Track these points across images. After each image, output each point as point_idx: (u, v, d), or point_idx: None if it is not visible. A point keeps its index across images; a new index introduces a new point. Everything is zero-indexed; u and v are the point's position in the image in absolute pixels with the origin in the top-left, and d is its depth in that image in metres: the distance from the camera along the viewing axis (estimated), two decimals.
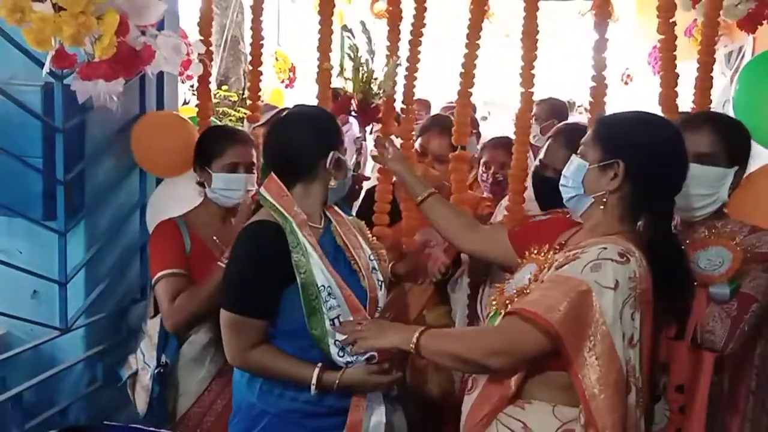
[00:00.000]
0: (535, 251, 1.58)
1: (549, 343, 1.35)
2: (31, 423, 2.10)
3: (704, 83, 2.24)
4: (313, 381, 1.58)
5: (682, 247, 1.58)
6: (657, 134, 1.47)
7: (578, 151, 1.52)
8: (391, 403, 1.72)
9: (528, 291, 1.45)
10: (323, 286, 1.59)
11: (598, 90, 2.21)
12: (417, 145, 2.43)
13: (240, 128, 2.45)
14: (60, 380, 2.24)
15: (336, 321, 1.60)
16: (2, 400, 1.97)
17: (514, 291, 1.50)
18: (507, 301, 1.48)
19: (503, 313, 1.46)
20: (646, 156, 1.44)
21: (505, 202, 2.32)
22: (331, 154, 1.69)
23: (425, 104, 5.41)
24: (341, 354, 1.60)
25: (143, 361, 2.07)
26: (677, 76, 2.21)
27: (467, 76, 2.26)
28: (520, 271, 1.57)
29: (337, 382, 1.59)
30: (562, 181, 1.55)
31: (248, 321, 1.61)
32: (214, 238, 2.08)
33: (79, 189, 2.20)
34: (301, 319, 1.59)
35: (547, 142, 2.14)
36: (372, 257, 1.76)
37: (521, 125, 2.27)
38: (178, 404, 2.02)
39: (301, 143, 1.69)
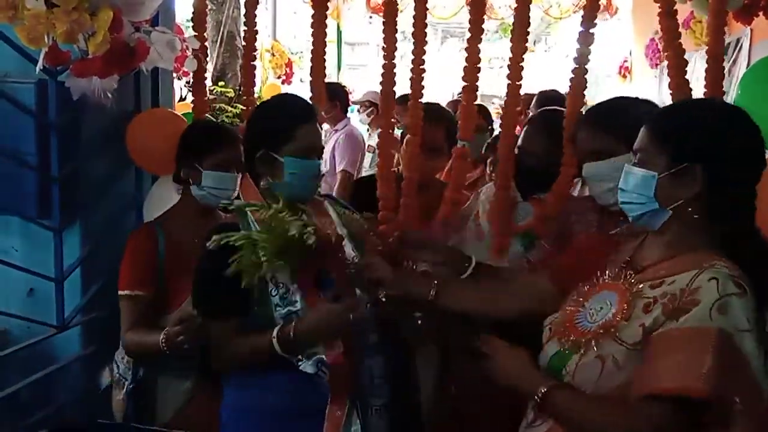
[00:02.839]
0: (606, 275, 1.39)
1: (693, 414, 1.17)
2: (27, 421, 2.10)
3: (715, 73, 2.16)
4: (274, 336, 1.56)
5: None
6: (732, 126, 1.29)
7: (635, 160, 1.33)
8: (376, 413, 1.69)
9: (615, 327, 1.27)
10: (270, 276, 1.60)
11: (579, 81, 2.17)
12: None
13: (230, 126, 2.37)
14: (56, 378, 2.22)
15: (295, 317, 1.60)
16: None
17: (596, 325, 1.31)
18: (589, 338, 1.29)
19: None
20: (726, 154, 1.26)
21: (485, 190, 2.29)
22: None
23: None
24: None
25: (118, 372, 2.04)
26: (686, 62, 2.15)
27: (471, 70, 2.21)
28: (593, 299, 1.37)
29: (292, 332, 1.56)
30: (622, 197, 1.35)
31: (214, 323, 1.67)
32: (196, 240, 1.93)
33: (74, 186, 2.19)
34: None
35: (525, 129, 2.13)
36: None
37: (507, 118, 2.23)
38: (157, 416, 1.98)
39: (251, 135, 1.77)
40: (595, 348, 1.28)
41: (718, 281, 1.20)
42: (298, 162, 1.66)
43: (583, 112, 1.99)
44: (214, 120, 2.11)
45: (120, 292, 1.98)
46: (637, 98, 1.83)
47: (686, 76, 2.12)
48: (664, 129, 1.31)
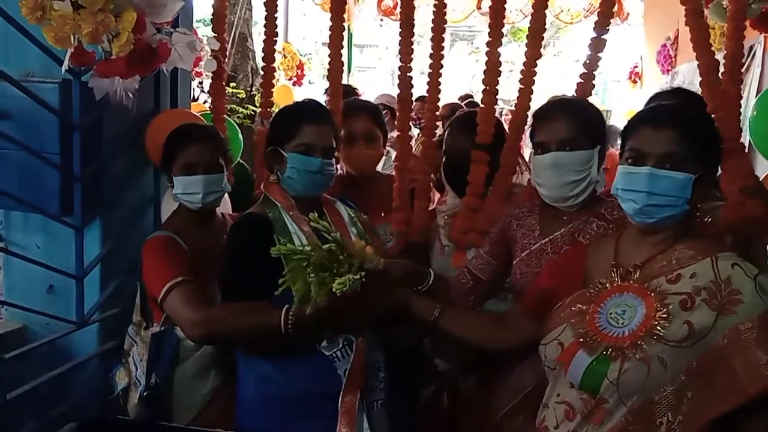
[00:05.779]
0: (614, 279, 1.39)
1: None
2: (46, 416, 2.13)
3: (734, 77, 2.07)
4: (282, 317, 1.58)
5: None
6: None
7: (665, 163, 1.34)
8: (381, 408, 1.72)
9: (656, 327, 1.28)
10: None
11: (585, 86, 2.19)
12: (342, 133, 2.36)
13: (205, 125, 2.25)
14: (75, 374, 2.25)
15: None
16: (19, 393, 1.99)
17: (630, 328, 1.31)
18: (628, 342, 1.29)
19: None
20: None
21: (440, 209, 2.28)
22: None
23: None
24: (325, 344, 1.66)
25: (135, 374, 2.00)
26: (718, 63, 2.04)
27: (492, 74, 2.23)
28: (607, 303, 1.37)
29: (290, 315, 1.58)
30: (650, 201, 1.34)
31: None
32: (198, 245, 1.97)
33: (96, 185, 2.21)
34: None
35: (447, 131, 2.18)
36: None
37: (514, 125, 2.22)
38: (175, 420, 1.93)
39: (268, 133, 1.89)
40: (638, 351, 1.28)
41: (740, 266, 1.29)
42: (298, 158, 1.78)
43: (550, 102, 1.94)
44: (196, 123, 2.08)
45: (167, 286, 1.81)
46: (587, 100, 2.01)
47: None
48: (693, 134, 1.36)
